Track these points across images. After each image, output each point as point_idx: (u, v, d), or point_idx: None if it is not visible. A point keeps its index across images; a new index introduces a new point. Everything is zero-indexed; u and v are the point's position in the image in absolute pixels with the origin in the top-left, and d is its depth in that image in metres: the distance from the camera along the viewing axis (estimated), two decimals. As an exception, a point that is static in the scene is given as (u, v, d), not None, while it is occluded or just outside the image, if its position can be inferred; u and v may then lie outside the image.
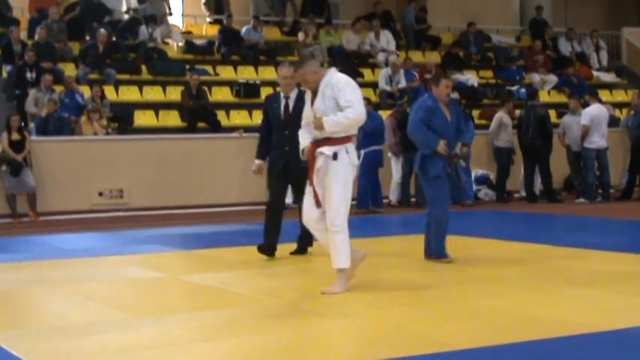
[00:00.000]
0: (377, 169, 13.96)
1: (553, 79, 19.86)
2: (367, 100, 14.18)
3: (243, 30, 18.53)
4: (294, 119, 8.30)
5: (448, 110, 8.33)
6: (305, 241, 8.90)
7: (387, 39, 19.20)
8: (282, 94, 8.69)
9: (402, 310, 6.22)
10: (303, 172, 8.42)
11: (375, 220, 13.10)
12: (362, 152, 13.90)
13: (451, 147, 8.30)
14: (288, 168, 8.51)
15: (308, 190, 6.91)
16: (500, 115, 15.77)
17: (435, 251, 8.31)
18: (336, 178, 6.69)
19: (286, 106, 8.61)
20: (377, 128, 13.89)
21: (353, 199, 7.02)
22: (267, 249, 8.72)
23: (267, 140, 8.79)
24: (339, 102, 6.66)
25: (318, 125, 6.69)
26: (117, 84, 16.28)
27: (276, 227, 8.72)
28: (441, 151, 8.17)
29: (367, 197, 13.90)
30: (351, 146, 6.78)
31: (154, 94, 16.48)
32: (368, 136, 13.70)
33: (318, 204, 6.77)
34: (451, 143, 8.29)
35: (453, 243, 9.96)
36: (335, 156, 6.69)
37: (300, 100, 8.38)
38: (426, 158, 8.28)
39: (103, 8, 17.98)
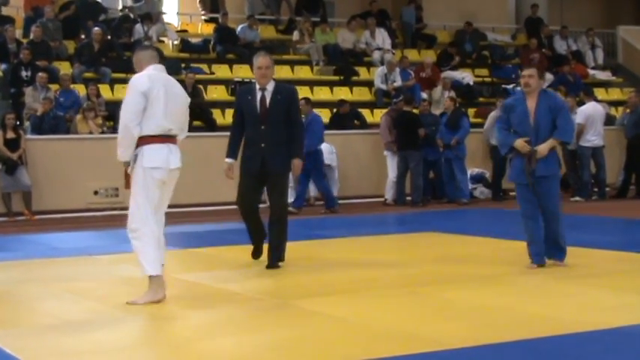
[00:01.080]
0: (321, 169, 13.84)
1: (549, 77, 19.80)
2: (306, 100, 14.14)
3: (239, 28, 18.51)
4: (271, 113, 7.96)
5: (536, 102, 7.65)
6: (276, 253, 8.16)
7: (382, 37, 19.20)
8: (257, 86, 8.07)
9: (398, 309, 6.21)
10: (281, 171, 8.15)
11: (372, 218, 13.09)
12: None
13: (533, 142, 7.62)
14: (265, 166, 8.03)
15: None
16: (496, 114, 15.76)
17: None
18: (133, 183, 6.56)
19: (262, 98, 8.00)
20: (314, 128, 13.67)
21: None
22: (256, 254, 8.44)
23: (239, 137, 8.14)
24: None
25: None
26: (112, 82, 16.24)
27: (259, 228, 8.29)
28: (519, 149, 7.63)
29: (303, 196, 13.94)
30: (148, 148, 6.44)
31: (149, 92, 16.42)
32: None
33: None
34: (534, 138, 7.60)
35: (450, 241, 9.96)
36: (135, 159, 6.52)
37: (277, 94, 8.02)
38: (508, 159, 7.79)
39: (98, 7, 17.98)
